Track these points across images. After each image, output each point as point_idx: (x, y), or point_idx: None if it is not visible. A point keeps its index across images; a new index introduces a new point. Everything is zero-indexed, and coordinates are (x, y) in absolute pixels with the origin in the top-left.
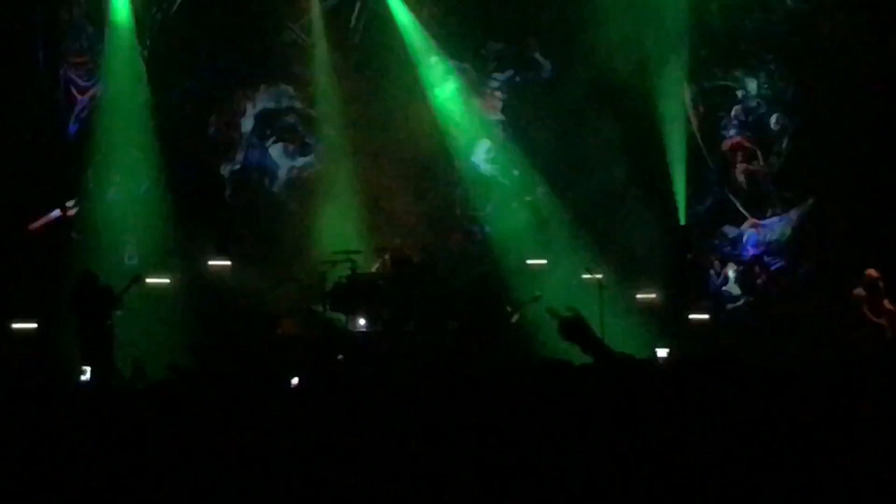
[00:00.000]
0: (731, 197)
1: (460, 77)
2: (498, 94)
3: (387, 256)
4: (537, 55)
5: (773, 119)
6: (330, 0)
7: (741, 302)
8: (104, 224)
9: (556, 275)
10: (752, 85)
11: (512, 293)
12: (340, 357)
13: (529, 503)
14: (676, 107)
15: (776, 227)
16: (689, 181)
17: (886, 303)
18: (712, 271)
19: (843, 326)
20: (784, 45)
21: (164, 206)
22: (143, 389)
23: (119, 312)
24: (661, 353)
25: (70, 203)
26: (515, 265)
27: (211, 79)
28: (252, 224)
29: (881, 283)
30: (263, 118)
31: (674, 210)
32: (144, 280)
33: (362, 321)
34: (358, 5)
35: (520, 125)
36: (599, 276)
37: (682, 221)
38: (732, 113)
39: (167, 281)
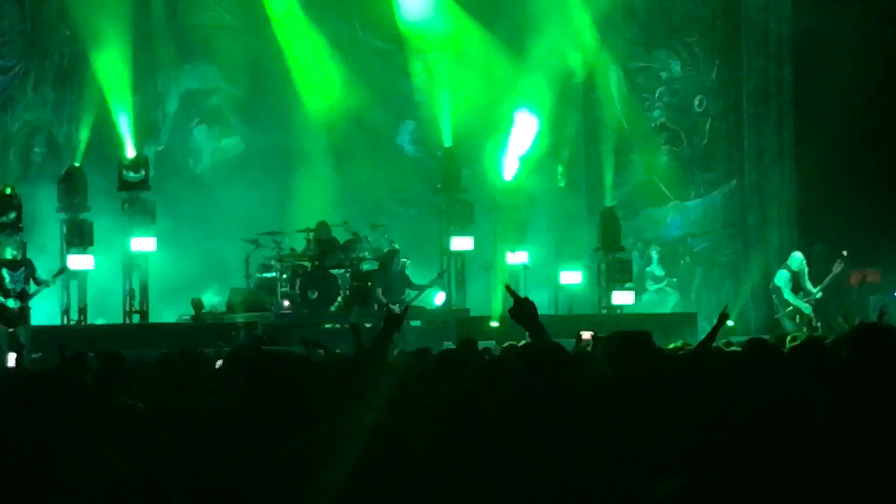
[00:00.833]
0: (655, 179)
1: (386, 57)
2: (423, 74)
3: (312, 238)
4: None
5: (697, 101)
6: None
7: (664, 283)
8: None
9: (480, 255)
10: (675, 67)
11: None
12: (263, 336)
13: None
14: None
15: (699, 208)
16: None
17: (809, 285)
18: (636, 252)
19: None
20: (707, 27)
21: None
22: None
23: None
24: (586, 335)
25: None
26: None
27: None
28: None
29: (805, 266)
30: (188, 99)
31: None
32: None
33: (286, 302)
34: None
35: (446, 107)
36: (524, 257)
37: (608, 203)
38: (656, 94)
39: (90, 266)
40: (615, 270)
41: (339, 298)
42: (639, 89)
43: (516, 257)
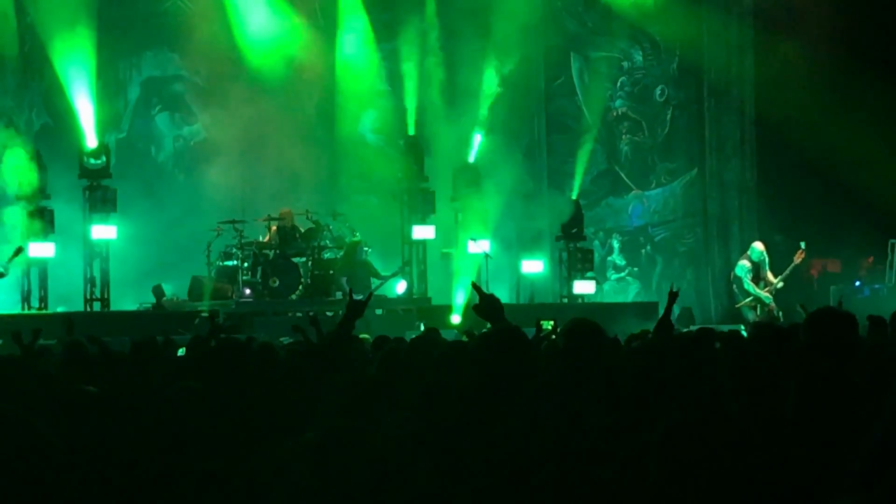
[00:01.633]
0: (617, 168)
1: (348, 45)
2: (385, 63)
3: (273, 226)
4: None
5: (658, 91)
6: None
7: (625, 272)
8: None
9: (440, 244)
10: (637, 57)
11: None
12: (224, 324)
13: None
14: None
15: (660, 197)
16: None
17: (769, 275)
18: (597, 242)
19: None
20: (669, 16)
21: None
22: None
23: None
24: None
25: None
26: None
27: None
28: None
29: (766, 256)
30: (149, 86)
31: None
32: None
33: (248, 290)
34: None
35: (407, 96)
36: (485, 246)
37: (570, 191)
38: (618, 84)
39: (51, 253)
40: (577, 260)
41: (301, 287)
42: (601, 79)
43: (478, 246)
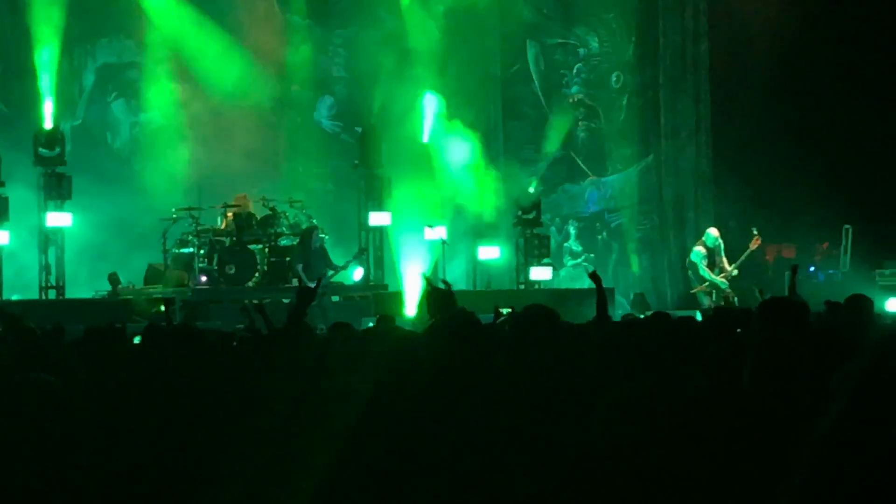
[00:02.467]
0: (573, 154)
1: (304, 32)
2: (341, 50)
3: (230, 213)
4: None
5: (614, 77)
6: None
7: (582, 258)
8: None
9: (398, 231)
10: (593, 43)
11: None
12: (181, 311)
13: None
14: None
15: (616, 183)
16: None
17: (724, 262)
18: (553, 228)
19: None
20: (625, 3)
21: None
22: None
23: None
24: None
25: None
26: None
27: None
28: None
29: (720, 242)
30: (105, 73)
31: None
32: None
33: (204, 277)
34: None
35: (364, 83)
36: (442, 232)
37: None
38: (574, 70)
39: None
40: (533, 246)
41: (257, 274)
42: (557, 65)
43: (434, 233)
